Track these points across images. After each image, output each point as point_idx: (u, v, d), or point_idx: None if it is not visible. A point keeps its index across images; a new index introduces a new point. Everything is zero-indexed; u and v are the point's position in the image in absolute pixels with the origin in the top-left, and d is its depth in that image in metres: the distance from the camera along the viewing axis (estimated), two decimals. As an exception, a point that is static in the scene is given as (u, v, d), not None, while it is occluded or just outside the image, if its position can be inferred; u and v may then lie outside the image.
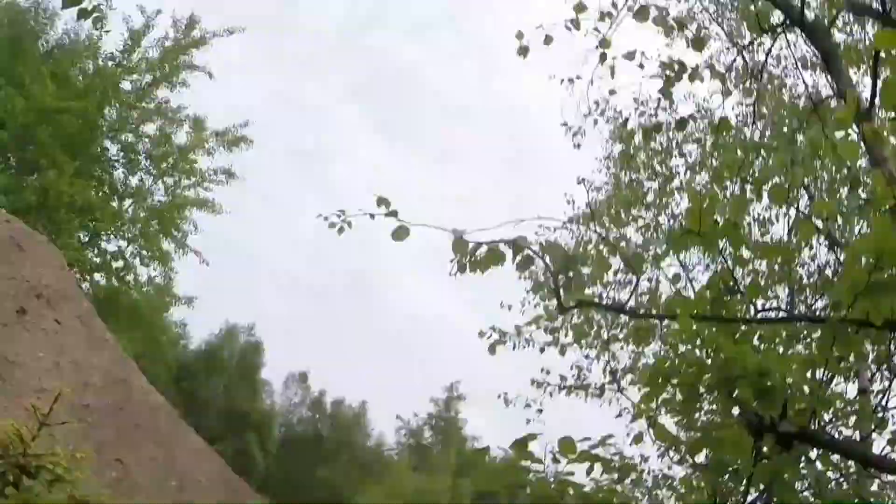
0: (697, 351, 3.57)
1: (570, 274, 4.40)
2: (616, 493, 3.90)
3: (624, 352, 10.69)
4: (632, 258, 8.22)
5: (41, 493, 5.44)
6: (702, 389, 3.54)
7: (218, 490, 10.86)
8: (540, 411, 11.46)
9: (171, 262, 22.58)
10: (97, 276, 22.46)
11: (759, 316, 4.12)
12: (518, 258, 4.17)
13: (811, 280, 8.97)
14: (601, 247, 10.37)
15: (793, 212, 7.70)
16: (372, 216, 4.15)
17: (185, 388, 59.55)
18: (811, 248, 8.68)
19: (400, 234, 4.14)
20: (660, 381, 3.62)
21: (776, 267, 8.13)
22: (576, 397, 11.72)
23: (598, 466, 3.77)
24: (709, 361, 3.47)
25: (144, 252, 22.38)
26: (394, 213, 4.13)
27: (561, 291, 4.54)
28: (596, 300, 7.88)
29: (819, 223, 5.54)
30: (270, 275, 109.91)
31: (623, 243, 10.84)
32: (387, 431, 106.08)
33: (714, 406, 3.90)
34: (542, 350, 11.01)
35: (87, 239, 21.92)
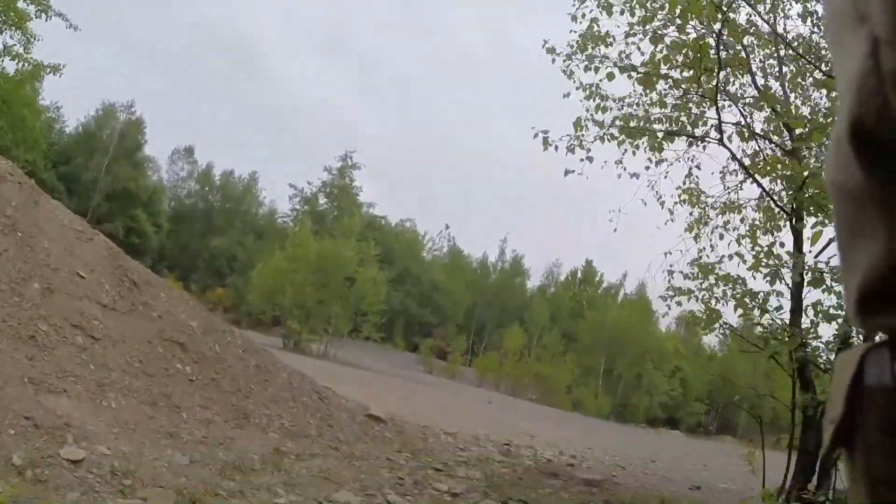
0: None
1: None
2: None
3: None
4: None
5: None
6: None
7: (104, 281, 7.53)
8: (590, 159, 8.75)
9: (29, 23, 18.67)
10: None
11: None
12: None
13: None
14: None
15: None
16: None
17: (64, 172, 54.48)
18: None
19: None
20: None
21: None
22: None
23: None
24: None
25: (-3, 14, 18.44)
26: None
27: None
28: None
29: None
30: (149, 48, 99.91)
31: None
32: (279, 200, 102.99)
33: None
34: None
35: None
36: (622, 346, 54.48)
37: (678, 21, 7.23)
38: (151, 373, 6.75)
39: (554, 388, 47.76)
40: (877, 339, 0.57)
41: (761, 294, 7.91)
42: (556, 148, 8.72)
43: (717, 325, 8.71)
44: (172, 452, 5.25)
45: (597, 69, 8.51)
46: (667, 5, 7.59)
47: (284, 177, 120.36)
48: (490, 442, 13.23)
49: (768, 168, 7.74)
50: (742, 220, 10.82)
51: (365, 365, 33.49)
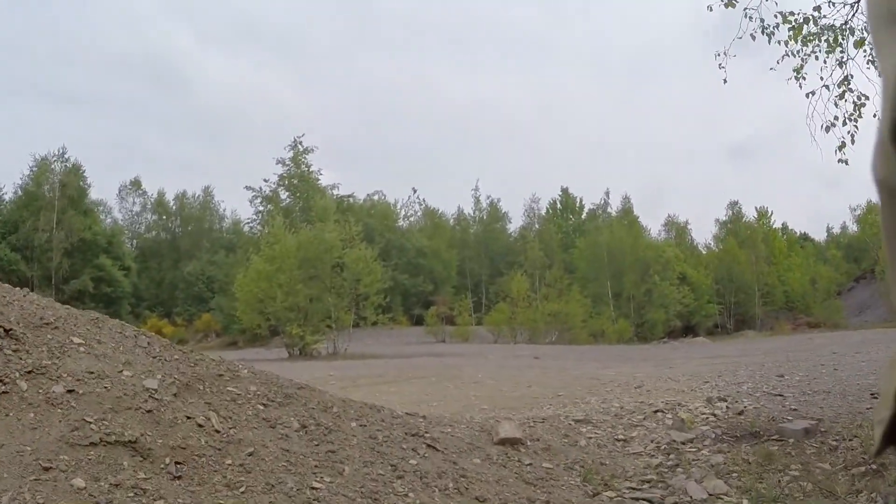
0: None
1: None
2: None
3: None
4: None
5: None
6: None
7: None
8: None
9: None
10: None
11: None
12: None
13: None
14: None
15: None
16: None
17: (16, 241, 48.48)
18: None
19: None
20: None
21: None
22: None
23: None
24: None
25: None
26: None
27: None
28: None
29: None
30: (65, 91, 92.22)
31: None
32: (241, 208, 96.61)
33: None
34: None
35: None
36: (623, 266, 50.61)
37: None
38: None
39: (570, 325, 43.76)
40: None
41: None
42: None
43: None
44: None
45: None
46: None
47: (240, 182, 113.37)
48: (631, 414, 8.87)
49: None
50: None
51: (381, 353, 29.06)
